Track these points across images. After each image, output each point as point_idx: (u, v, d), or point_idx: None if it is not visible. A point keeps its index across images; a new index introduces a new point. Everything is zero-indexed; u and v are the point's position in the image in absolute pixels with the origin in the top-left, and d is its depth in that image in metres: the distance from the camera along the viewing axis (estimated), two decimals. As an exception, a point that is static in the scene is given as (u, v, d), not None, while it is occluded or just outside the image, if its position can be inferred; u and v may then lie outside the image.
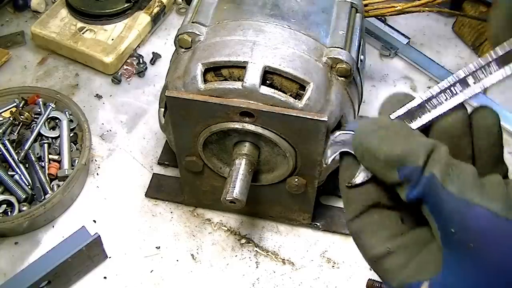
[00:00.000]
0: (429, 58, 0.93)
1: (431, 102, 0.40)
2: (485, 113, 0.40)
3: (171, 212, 0.77)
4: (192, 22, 0.65)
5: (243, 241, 0.75)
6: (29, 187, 0.77)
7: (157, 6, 0.95)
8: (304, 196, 0.70)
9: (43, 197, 0.76)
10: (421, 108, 0.40)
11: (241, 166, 0.63)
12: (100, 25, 0.93)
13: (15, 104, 0.83)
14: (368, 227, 0.40)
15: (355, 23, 0.68)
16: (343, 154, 0.41)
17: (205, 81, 0.61)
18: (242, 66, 0.59)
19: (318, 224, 0.75)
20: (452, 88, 0.39)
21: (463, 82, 0.39)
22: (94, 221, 0.76)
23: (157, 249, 0.74)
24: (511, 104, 0.87)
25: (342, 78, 0.63)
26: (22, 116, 0.82)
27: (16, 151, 0.79)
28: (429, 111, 0.40)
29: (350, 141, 0.39)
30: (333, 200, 0.78)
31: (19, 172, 0.77)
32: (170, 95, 0.61)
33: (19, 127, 0.82)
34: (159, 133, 0.83)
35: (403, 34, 0.95)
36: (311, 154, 0.63)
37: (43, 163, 0.78)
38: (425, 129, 0.40)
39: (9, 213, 0.74)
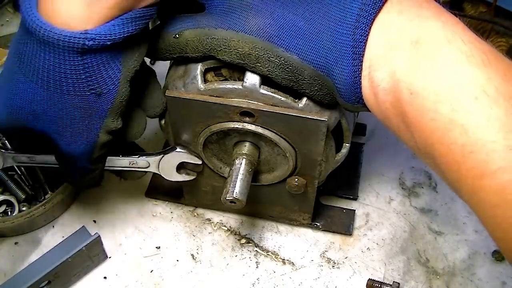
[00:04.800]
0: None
1: None
2: None
3: (171, 212, 0.77)
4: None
5: (243, 241, 0.75)
6: (29, 187, 0.76)
7: (157, 6, 0.95)
8: (304, 196, 0.70)
9: (43, 197, 0.76)
10: None
11: (241, 166, 0.63)
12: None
13: (15, 104, 0.83)
14: None
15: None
16: None
17: (205, 81, 0.61)
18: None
19: (318, 224, 0.75)
20: None
21: None
22: (94, 221, 0.76)
23: (157, 249, 0.74)
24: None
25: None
26: (22, 116, 0.81)
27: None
28: None
29: None
30: (333, 200, 0.78)
31: (19, 172, 0.77)
32: (170, 95, 0.61)
33: (19, 127, 0.82)
34: (159, 133, 0.83)
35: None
36: (311, 154, 0.63)
37: (43, 163, 0.78)
38: None
39: (9, 213, 0.75)
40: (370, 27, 0.51)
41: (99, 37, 0.52)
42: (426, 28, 0.50)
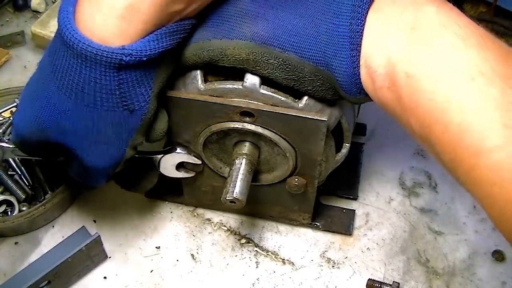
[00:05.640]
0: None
1: None
2: None
3: (171, 212, 0.77)
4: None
5: (243, 241, 0.75)
6: (29, 187, 0.76)
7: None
8: (304, 196, 0.70)
9: (43, 197, 0.76)
10: None
11: (241, 166, 0.63)
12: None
13: (15, 104, 0.83)
14: None
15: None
16: None
17: (205, 81, 0.61)
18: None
19: (318, 224, 0.75)
20: None
21: None
22: (94, 221, 0.76)
23: (157, 249, 0.74)
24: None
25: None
26: (22, 116, 0.81)
27: (16, 151, 0.79)
28: None
29: None
30: (333, 200, 0.78)
31: (19, 172, 0.77)
32: (170, 95, 0.61)
33: (19, 127, 0.82)
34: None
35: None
36: (311, 154, 0.63)
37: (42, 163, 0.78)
38: None
39: (9, 213, 0.74)
40: (366, 16, 0.52)
41: (136, 52, 0.52)
42: (421, 14, 0.51)
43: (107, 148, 0.57)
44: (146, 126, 0.58)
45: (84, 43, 0.51)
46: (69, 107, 0.54)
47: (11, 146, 0.66)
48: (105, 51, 0.51)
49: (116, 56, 0.51)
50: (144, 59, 0.52)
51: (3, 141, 0.71)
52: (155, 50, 0.53)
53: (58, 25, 0.52)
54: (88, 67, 0.52)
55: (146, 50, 0.52)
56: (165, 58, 0.55)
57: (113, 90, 0.53)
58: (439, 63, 0.48)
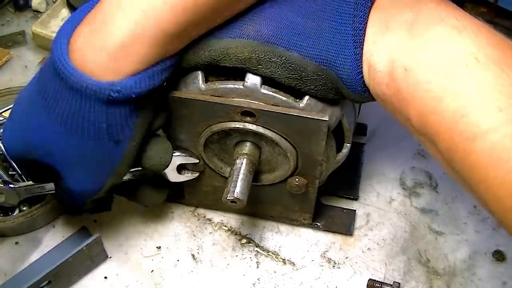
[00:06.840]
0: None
1: None
2: None
3: (172, 212, 0.77)
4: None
5: (244, 241, 0.75)
6: (30, 187, 0.76)
7: (158, 6, 0.95)
8: (305, 196, 0.70)
9: (43, 197, 0.76)
10: None
11: (242, 166, 0.63)
12: (100, 25, 0.92)
13: (15, 104, 0.83)
14: None
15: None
16: None
17: (206, 81, 0.61)
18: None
19: (319, 224, 0.75)
20: None
21: None
22: (95, 221, 0.76)
23: (158, 249, 0.74)
24: None
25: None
26: (22, 116, 0.81)
27: (17, 151, 0.78)
28: None
29: None
30: (334, 200, 0.78)
31: (19, 172, 0.77)
32: (171, 95, 0.61)
33: (19, 127, 0.82)
34: (159, 133, 0.83)
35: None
36: (312, 154, 0.63)
37: (43, 163, 0.78)
38: None
39: (10, 213, 0.74)
40: (368, 14, 0.53)
41: (125, 89, 0.52)
42: (421, 11, 0.52)
43: (88, 175, 0.59)
44: (130, 155, 0.58)
45: (76, 76, 0.51)
46: (57, 133, 0.56)
47: (23, 185, 0.67)
48: (94, 85, 0.51)
49: (104, 91, 0.52)
50: (133, 96, 0.53)
51: (14, 182, 0.72)
52: (145, 88, 0.53)
53: (52, 55, 0.53)
54: (78, 99, 0.53)
55: (136, 88, 0.52)
56: (156, 91, 0.56)
57: (101, 122, 0.54)
58: (436, 54, 0.49)
